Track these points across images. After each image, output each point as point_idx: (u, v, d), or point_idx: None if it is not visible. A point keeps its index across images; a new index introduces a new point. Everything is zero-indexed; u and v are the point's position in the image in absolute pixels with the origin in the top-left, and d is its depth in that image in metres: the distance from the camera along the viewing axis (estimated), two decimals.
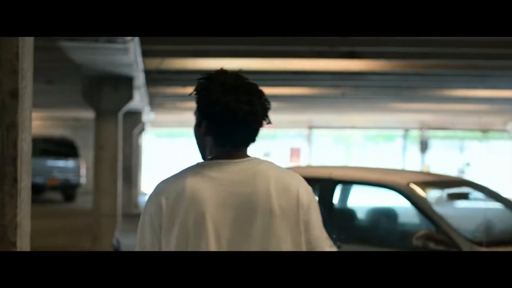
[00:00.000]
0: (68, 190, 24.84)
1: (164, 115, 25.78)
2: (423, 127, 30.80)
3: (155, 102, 19.63)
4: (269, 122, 2.69)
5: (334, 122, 30.73)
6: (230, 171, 2.61)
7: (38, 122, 29.71)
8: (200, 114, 2.65)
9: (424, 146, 31.27)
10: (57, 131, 28.34)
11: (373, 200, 7.60)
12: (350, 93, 17.88)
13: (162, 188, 2.63)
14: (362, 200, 7.51)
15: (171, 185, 2.62)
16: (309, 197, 2.71)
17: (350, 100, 20.22)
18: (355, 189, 6.78)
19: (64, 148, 25.13)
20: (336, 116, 28.29)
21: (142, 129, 23.59)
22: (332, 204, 6.30)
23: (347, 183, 6.55)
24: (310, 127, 31.51)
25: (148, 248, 2.63)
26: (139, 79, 11.95)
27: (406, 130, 32.56)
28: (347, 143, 34.99)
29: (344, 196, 6.77)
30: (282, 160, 31.24)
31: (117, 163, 11.88)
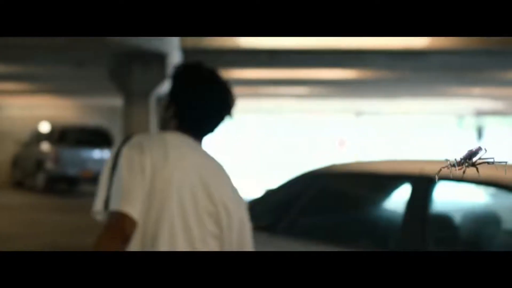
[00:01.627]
0: None
1: None
2: (479, 112, 29.11)
3: None
4: (231, 118, 2.85)
5: (383, 108, 29.17)
6: (196, 149, 2.80)
7: (72, 111, 28.75)
8: (172, 98, 2.83)
9: (480, 133, 29.66)
10: (92, 120, 27.28)
11: (479, 203, 6.05)
12: (407, 76, 16.42)
13: (145, 143, 2.74)
14: (462, 203, 5.96)
15: (154, 144, 2.74)
16: None
17: (403, 84, 18.72)
18: (455, 189, 5.26)
19: (99, 138, 24.05)
20: (385, 102, 26.75)
21: None
22: (426, 208, 4.81)
23: (447, 181, 5.03)
24: (358, 114, 29.90)
25: (135, 192, 2.65)
26: (175, 57, 10.51)
27: (461, 116, 30.87)
28: (396, 131, 33.29)
29: (440, 197, 5.26)
30: (328, 149, 29.81)
31: None
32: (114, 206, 2.65)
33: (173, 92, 2.84)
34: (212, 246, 2.72)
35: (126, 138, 2.78)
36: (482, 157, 2.43)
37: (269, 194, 5.81)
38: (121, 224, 2.62)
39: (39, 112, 27.06)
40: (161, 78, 10.10)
